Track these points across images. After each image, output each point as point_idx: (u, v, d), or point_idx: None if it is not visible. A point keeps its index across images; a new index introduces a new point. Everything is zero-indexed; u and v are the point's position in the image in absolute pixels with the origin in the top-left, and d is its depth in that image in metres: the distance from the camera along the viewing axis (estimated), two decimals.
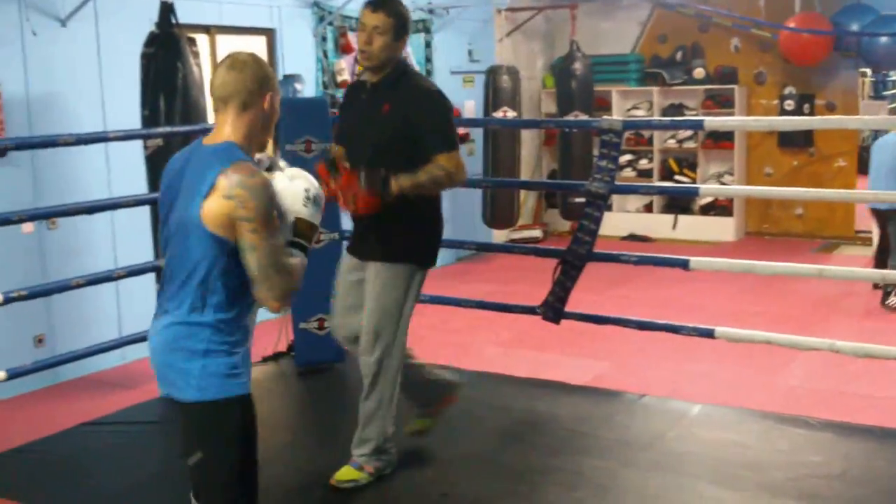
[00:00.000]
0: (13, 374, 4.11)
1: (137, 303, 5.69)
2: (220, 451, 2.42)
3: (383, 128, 3.51)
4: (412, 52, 8.15)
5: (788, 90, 9.84)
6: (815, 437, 4.12)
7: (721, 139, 9.96)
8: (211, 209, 2.29)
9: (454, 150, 3.53)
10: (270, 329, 5.20)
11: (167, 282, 2.44)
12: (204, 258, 2.34)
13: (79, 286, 4.52)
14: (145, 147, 5.03)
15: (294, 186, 2.48)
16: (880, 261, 7.17)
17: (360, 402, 3.67)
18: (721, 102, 9.95)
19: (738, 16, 9.77)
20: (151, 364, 2.49)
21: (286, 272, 2.35)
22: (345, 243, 4.14)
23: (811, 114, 9.53)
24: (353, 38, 7.73)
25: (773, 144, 9.99)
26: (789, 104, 9.78)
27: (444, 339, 6.19)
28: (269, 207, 2.30)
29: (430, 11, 8.68)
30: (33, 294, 4.31)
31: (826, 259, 8.84)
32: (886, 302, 6.99)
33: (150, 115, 5.04)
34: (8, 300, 4.03)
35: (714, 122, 4.82)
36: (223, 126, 2.41)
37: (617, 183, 4.77)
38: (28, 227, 5.37)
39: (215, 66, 2.47)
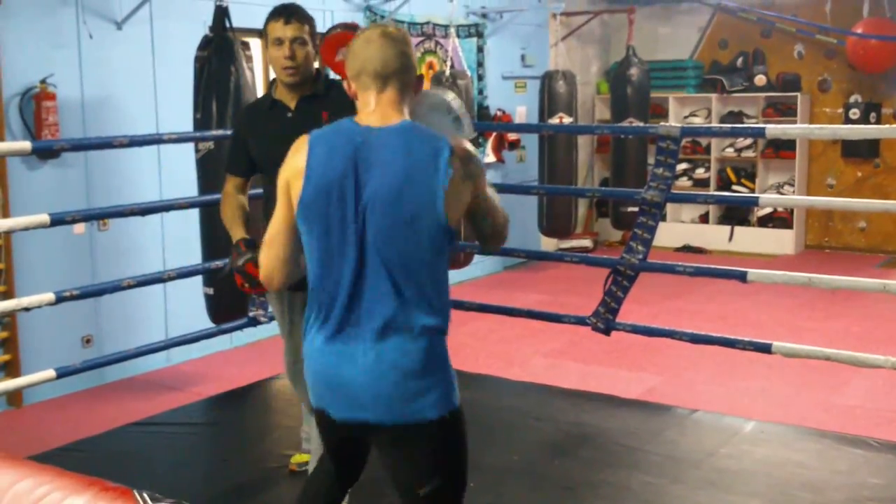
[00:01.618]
0: (62, 374, 4.13)
1: (184, 305, 5.71)
2: (456, 469, 2.27)
3: None
4: (463, 57, 8.09)
5: (854, 98, 9.59)
6: (875, 459, 3.97)
7: (781, 148, 9.74)
8: (454, 197, 2.11)
9: None
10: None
11: (375, 293, 2.14)
12: (435, 256, 2.14)
13: (130, 287, 4.53)
14: (196, 150, 5.05)
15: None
16: None
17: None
18: (783, 111, 9.73)
19: (803, 21, 9.56)
20: (353, 394, 2.17)
21: (501, 213, 2.34)
22: None
23: (878, 123, 9.26)
24: None
25: (836, 155, 9.73)
26: (855, 113, 9.51)
27: (491, 349, 6.12)
28: (483, 177, 2.23)
29: (484, 16, 8.63)
30: (85, 294, 4.33)
31: (890, 275, 8.57)
32: None
33: (202, 119, 5.04)
34: (60, 300, 4.05)
35: (776, 129, 4.68)
36: (386, 105, 2.19)
37: (673, 191, 4.66)
38: (79, 227, 5.42)
39: (348, 39, 2.43)
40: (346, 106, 3.19)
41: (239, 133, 3.39)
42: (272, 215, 3.04)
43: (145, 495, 0.88)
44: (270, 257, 2.31)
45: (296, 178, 2.19)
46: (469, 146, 2.21)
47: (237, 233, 3.23)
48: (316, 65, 3.36)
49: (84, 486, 1.22)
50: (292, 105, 3.26)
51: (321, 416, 2.31)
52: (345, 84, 2.29)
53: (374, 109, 2.20)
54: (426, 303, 2.15)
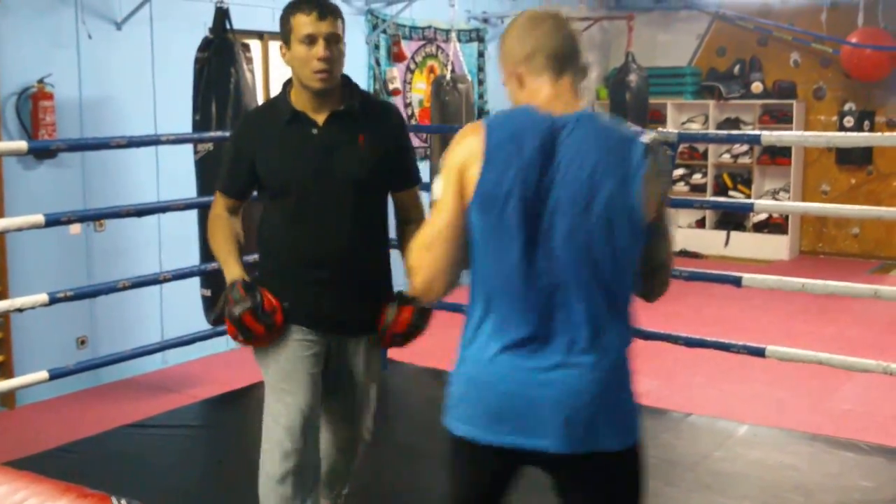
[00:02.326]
0: (55, 375, 4.13)
1: (180, 307, 5.72)
2: (637, 499, 2.05)
3: (362, 166, 2.75)
4: (464, 61, 8.12)
5: (848, 106, 9.63)
6: (867, 462, 4.00)
7: (777, 155, 9.78)
8: (647, 196, 1.85)
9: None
10: None
11: (565, 301, 1.85)
12: (629, 261, 1.89)
13: (125, 288, 4.53)
14: (195, 151, 5.06)
15: None
16: None
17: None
18: (779, 118, 9.76)
19: (799, 30, 9.60)
20: (533, 416, 1.88)
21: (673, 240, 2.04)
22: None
23: (871, 131, 9.31)
24: (405, 46, 7.74)
25: (830, 162, 9.78)
26: (849, 121, 9.56)
27: None
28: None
29: (485, 21, 8.66)
30: (79, 295, 4.33)
31: (882, 280, 8.62)
32: None
33: (202, 120, 5.06)
34: (53, 301, 4.05)
35: (771, 136, 4.70)
36: (565, 91, 1.95)
37: (669, 197, 4.68)
38: (75, 228, 5.42)
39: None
40: (390, 130, 2.83)
41: (241, 146, 2.84)
42: (276, 241, 2.78)
43: (123, 502, 0.84)
44: (431, 262, 1.93)
45: (472, 163, 1.88)
46: (660, 140, 1.98)
47: (233, 270, 2.78)
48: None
49: (61, 491, 1.20)
50: (319, 120, 2.74)
51: (468, 447, 1.95)
52: (501, 70, 2.02)
53: (553, 95, 1.94)
54: (621, 315, 1.92)
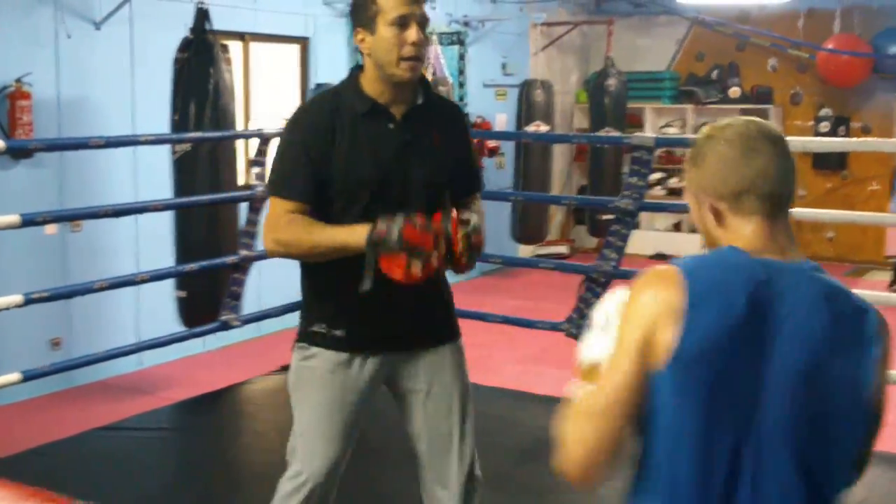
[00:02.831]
0: (28, 377, 4.09)
1: (156, 308, 5.68)
2: None
3: (439, 168, 2.51)
4: (445, 64, 8.14)
5: (824, 112, 9.72)
6: None
7: None
8: (879, 380, 1.51)
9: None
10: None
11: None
12: (851, 459, 1.53)
13: (102, 289, 4.51)
14: (173, 152, 5.04)
15: None
16: None
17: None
18: None
19: (777, 36, 9.68)
20: None
21: None
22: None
23: (846, 136, 9.41)
24: None
25: (807, 166, 9.85)
26: (824, 126, 9.65)
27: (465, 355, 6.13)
28: None
29: (466, 24, 8.67)
30: (55, 296, 4.29)
31: (855, 283, 8.68)
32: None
33: (180, 120, 5.04)
34: (28, 301, 4.01)
35: None
36: (781, 234, 1.55)
37: (646, 200, 4.71)
38: (51, 228, 5.38)
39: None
40: (461, 130, 2.60)
41: (309, 143, 2.44)
42: (355, 276, 2.30)
43: None
44: (594, 436, 1.51)
45: (666, 322, 1.46)
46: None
47: (357, 229, 2.33)
48: None
49: (26, 496, 1.17)
50: (397, 114, 2.47)
51: None
52: (689, 192, 1.61)
53: (764, 237, 1.54)
54: None
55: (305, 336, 2.55)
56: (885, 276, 9.05)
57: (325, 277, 2.50)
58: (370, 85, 2.45)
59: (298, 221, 2.41)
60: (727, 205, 1.54)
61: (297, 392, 2.54)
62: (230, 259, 4.89)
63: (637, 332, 1.48)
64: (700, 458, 1.46)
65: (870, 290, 5.65)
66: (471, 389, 2.66)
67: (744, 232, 1.53)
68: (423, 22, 2.39)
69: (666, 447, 1.50)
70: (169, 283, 5.03)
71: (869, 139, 8.79)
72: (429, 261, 2.30)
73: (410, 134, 2.46)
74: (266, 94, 6.99)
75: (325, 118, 2.45)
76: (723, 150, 1.54)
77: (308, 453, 2.48)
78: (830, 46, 9.08)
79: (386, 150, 2.44)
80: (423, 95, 2.50)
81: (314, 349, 2.51)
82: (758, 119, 1.59)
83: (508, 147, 9.08)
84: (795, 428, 1.45)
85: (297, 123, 2.52)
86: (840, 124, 9.58)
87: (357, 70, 2.50)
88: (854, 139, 8.58)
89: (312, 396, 2.50)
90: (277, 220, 2.43)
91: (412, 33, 2.36)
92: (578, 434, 1.52)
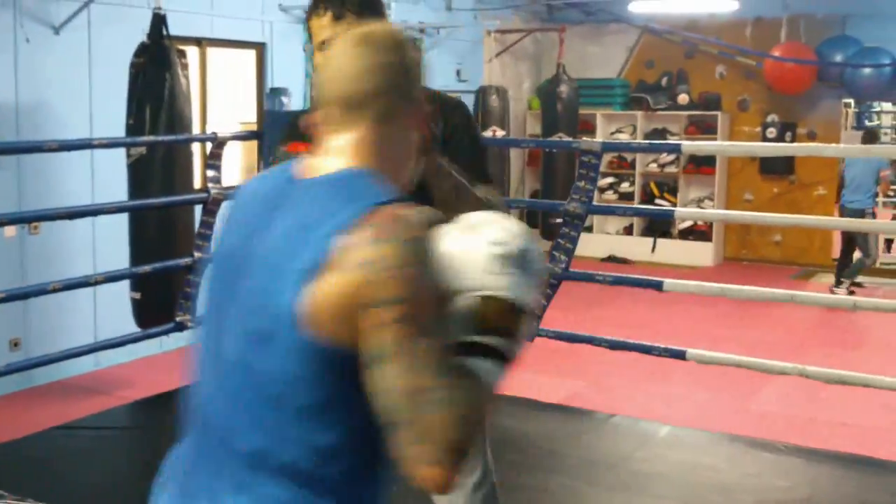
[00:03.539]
0: None
1: (113, 308, 5.70)
2: None
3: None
4: None
5: (771, 118, 9.96)
6: (783, 462, 4.15)
7: (702, 164, 10.06)
8: (326, 295, 1.23)
9: None
10: None
11: (206, 435, 1.39)
12: (302, 387, 1.27)
13: (56, 290, 4.54)
14: (128, 155, 5.08)
15: (473, 242, 1.33)
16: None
17: None
18: (704, 128, 10.05)
19: (725, 44, 9.90)
20: None
21: (455, 405, 1.19)
22: None
23: (793, 142, 9.64)
24: None
25: (754, 171, 10.09)
26: (771, 132, 9.89)
27: None
28: (424, 283, 1.24)
29: (422, 31, 8.76)
30: (11, 297, 4.33)
31: (802, 286, 8.92)
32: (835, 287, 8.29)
33: (135, 125, 5.08)
34: None
35: (692, 146, 4.91)
36: (348, 149, 1.38)
37: (594, 204, 4.83)
38: (10, 231, 5.39)
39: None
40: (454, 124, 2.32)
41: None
42: None
43: None
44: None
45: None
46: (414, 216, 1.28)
47: None
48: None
49: None
50: None
51: None
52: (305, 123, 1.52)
53: (325, 150, 1.40)
54: (277, 465, 1.30)
55: None
56: (832, 280, 9.28)
57: None
58: None
59: None
60: (321, 119, 1.44)
61: None
62: (184, 261, 4.94)
63: None
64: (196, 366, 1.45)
65: (816, 293, 5.83)
66: None
67: (324, 144, 1.44)
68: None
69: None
70: (126, 285, 5.06)
71: (813, 144, 9.02)
72: None
73: None
74: (223, 99, 7.03)
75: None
76: (325, 58, 1.47)
77: None
78: (777, 54, 9.31)
79: None
80: None
81: None
82: (370, 26, 1.48)
83: None
84: (240, 351, 1.35)
85: None
86: (787, 130, 9.82)
87: None
88: (795, 144, 8.84)
89: None
90: None
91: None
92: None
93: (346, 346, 1.24)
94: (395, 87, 1.42)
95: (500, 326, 1.31)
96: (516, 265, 1.33)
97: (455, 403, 1.20)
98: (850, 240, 8.59)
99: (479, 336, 1.29)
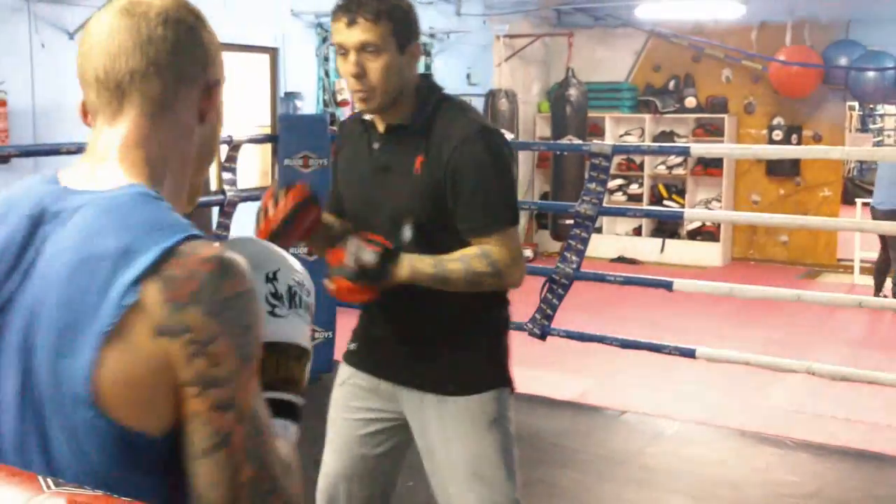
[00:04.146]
0: None
1: None
2: None
3: (414, 195, 2.12)
4: None
5: (777, 121, 10.02)
6: (791, 458, 4.23)
7: (710, 166, 10.13)
8: (125, 366, 0.98)
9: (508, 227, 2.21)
10: None
11: None
12: (96, 473, 1.00)
13: None
14: None
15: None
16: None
17: None
18: (711, 131, 10.13)
19: (730, 47, 9.97)
20: None
21: (282, 492, 1.05)
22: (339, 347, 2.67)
23: (798, 144, 9.71)
24: None
25: (760, 173, 10.16)
26: (777, 134, 9.96)
27: None
28: (243, 353, 1.01)
29: (432, 35, 8.85)
30: None
31: (808, 285, 8.98)
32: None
33: None
34: None
35: (700, 148, 5.00)
36: (117, 146, 1.14)
37: (604, 205, 4.91)
38: None
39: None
40: (449, 152, 2.09)
41: (336, 157, 2.39)
42: None
43: (49, 480, 0.72)
44: None
45: None
46: (223, 260, 1.02)
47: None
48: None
49: None
50: (381, 132, 2.20)
51: None
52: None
53: (91, 152, 1.16)
54: None
55: None
56: (837, 279, 9.36)
57: None
58: None
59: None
60: (88, 102, 1.22)
61: None
62: None
63: None
64: None
65: (822, 292, 5.88)
66: (489, 456, 2.26)
67: (91, 144, 1.19)
68: (365, 48, 2.05)
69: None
70: None
71: (816, 146, 9.10)
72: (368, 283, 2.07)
73: (385, 154, 2.17)
74: (236, 102, 7.14)
75: (343, 131, 2.39)
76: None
77: (322, 463, 2.39)
78: (782, 58, 9.38)
79: (361, 170, 2.23)
80: (409, 115, 2.15)
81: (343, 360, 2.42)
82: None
83: None
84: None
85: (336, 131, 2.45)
86: (792, 133, 9.89)
87: None
88: (801, 147, 8.91)
89: (330, 407, 2.40)
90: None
91: (349, 65, 2.06)
92: None
93: (149, 432, 0.99)
94: (168, 67, 1.13)
95: (288, 377, 1.15)
96: (293, 300, 1.17)
97: (281, 490, 1.04)
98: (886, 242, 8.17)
99: (272, 392, 1.12)
